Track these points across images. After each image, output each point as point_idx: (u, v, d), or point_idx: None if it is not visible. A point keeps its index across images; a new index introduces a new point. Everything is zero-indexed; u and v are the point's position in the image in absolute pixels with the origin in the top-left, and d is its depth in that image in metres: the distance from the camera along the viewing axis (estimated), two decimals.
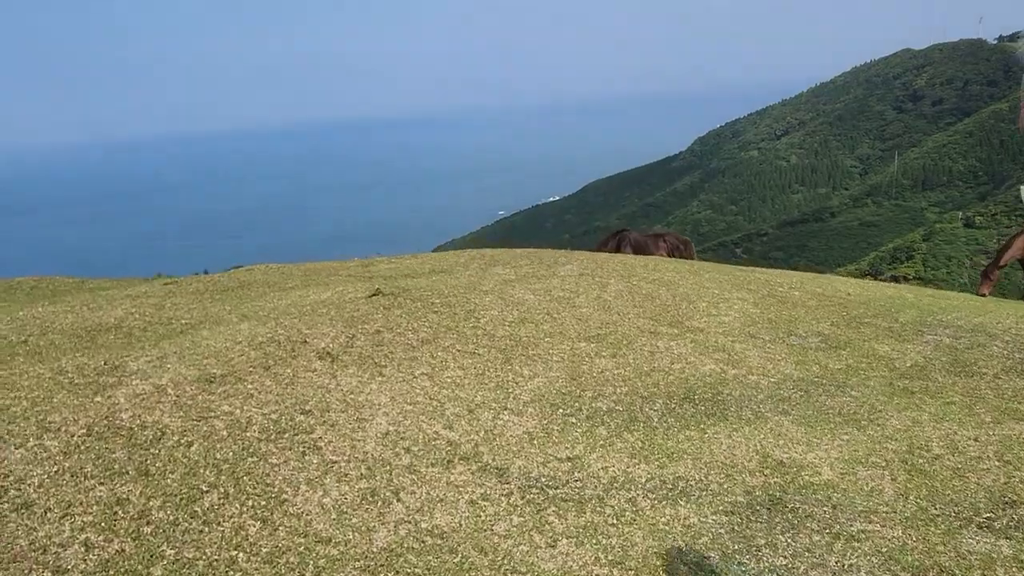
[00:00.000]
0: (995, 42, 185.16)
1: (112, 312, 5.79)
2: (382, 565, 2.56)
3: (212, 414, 3.33)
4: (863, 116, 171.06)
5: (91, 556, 2.38)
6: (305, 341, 4.39)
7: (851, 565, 2.80)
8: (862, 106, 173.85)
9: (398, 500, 2.96)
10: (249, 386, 3.68)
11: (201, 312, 5.69)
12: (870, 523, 3.07)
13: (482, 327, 5.31)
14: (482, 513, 2.95)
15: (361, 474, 3.10)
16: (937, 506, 3.22)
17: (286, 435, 3.29)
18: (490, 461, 3.40)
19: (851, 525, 3.06)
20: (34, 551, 2.34)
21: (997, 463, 3.62)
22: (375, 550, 2.63)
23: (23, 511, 2.51)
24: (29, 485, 2.62)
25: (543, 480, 3.29)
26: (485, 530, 2.84)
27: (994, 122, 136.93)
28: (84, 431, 3.01)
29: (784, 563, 2.80)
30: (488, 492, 3.12)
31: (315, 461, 3.13)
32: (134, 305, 6.05)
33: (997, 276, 9.88)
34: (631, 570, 2.70)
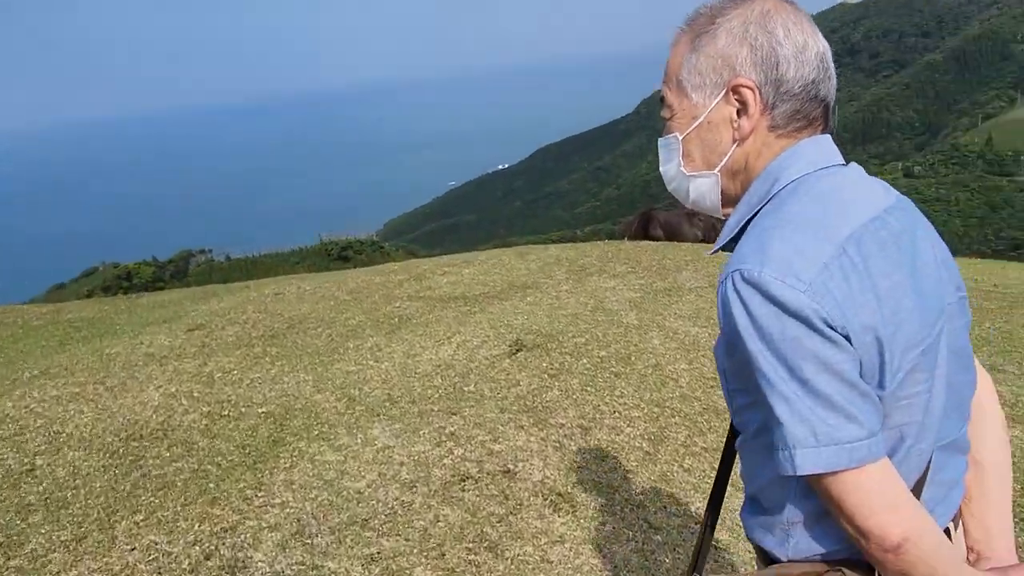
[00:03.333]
0: None
1: (147, 395, 4.02)
2: None
3: None
4: None
5: None
6: (508, 470, 2.76)
7: None
8: None
9: None
10: None
11: (295, 391, 3.97)
12: None
13: (692, 395, 3.76)
14: None
15: None
16: None
17: None
18: None
19: None
20: None
21: None
22: None
23: None
24: None
25: None
26: None
27: (929, 73, 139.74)
28: None
29: None
30: None
31: None
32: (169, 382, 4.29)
33: None
34: None
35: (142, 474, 3.14)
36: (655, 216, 10.84)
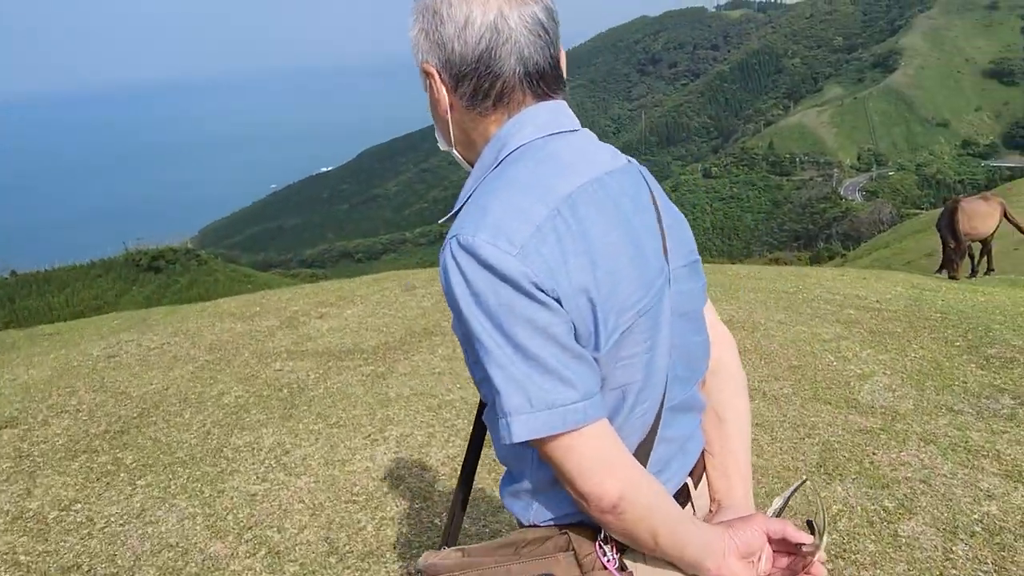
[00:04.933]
0: (715, 9, 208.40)
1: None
2: None
3: None
4: (612, 78, 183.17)
5: None
6: None
7: None
8: (611, 69, 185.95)
9: None
10: None
11: (181, 539, 2.79)
12: None
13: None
14: None
15: None
16: None
17: None
18: None
19: None
20: None
21: None
22: None
23: None
24: None
25: None
26: None
27: (719, 83, 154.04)
28: None
29: None
30: None
31: None
32: None
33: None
34: None
35: None
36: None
